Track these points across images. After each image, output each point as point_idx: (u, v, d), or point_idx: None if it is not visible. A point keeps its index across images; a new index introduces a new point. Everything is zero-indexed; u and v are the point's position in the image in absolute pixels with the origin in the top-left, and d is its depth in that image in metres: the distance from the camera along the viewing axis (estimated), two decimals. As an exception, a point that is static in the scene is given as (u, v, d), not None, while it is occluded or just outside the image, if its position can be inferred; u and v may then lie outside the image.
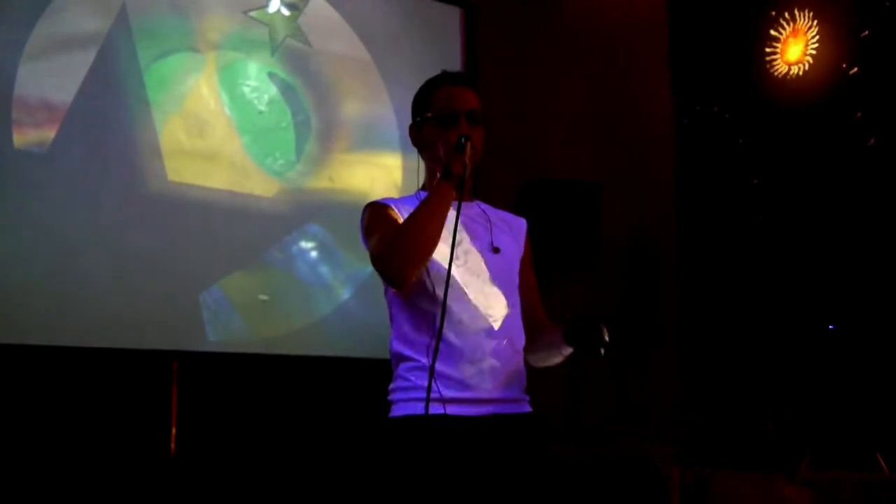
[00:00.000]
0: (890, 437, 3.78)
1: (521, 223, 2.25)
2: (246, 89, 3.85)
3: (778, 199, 4.62)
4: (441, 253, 1.95)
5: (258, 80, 3.88)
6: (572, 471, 4.34)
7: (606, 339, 1.90)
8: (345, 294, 3.94)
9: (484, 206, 2.22)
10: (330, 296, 3.92)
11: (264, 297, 3.74)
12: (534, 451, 2.03)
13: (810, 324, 4.39)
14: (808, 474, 3.65)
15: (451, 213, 1.98)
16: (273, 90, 3.91)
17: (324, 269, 3.94)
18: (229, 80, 3.81)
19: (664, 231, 5.08)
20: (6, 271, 3.24)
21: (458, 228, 1.96)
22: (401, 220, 2.03)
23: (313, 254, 3.93)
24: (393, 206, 2.09)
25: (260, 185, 3.83)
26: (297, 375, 3.85)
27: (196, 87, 3.73)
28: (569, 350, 2.00)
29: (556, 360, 2.09)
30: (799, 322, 4.45)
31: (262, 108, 3.87)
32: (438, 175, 2.01)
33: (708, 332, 4.90)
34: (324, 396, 3.85)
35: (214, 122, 3.75)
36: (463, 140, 1.99)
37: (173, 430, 3.50)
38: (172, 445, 3.49)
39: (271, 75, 3.92)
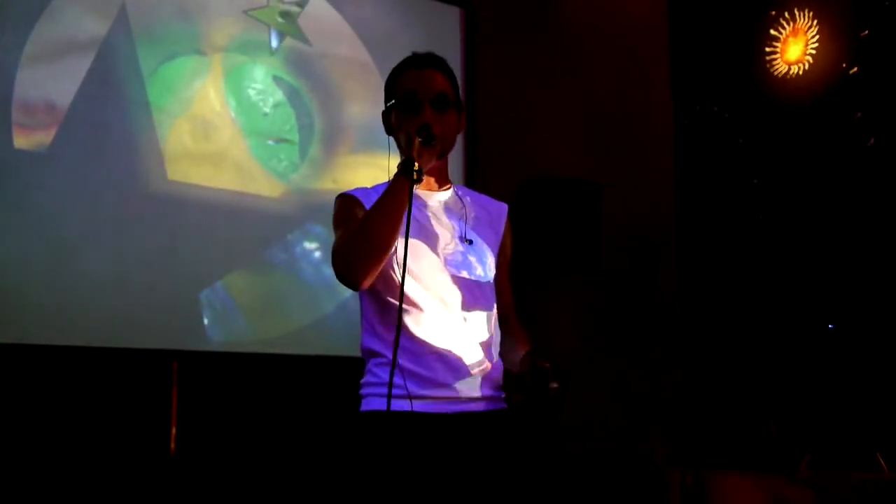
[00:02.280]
0: (890, 437, 3.78)
1: (502, 208, 2.14)
2: (251, 92, 3.86)
3: (778, 199, 4.62)
4: (411, 245, 1.81)
5: (264, 84, 3.89)
6: (571, 471, 4.34)
7: (553, 395, 1.76)
8: (346, 292, 3.94)
9: (463, 190, 2.11)
10: (332, 294, 3.92)
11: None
12: (504, 448, 1.94)
13: (810, 323, 4.39)
14: (808, 474, 3.65)
15: (433, 205, 1.99)
16: (278, 93, 3.93)
17: (326, 269, 3.95)
18: (235, 83, 3.82)
19: (664, 231, 5.08)
20: (6, 271, 3.24)
21: (428, 220, 1.93)
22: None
23: (316, 254, 3.94)
24: (361, 199, 1.99)
25: (264, 187, 3.84)
26: (298, 375, 3.85)
27: (202, 90, 3.74)
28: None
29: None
30: (799, 322, 4.45)
31: (268, 110, 3.88)
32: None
33: (708, 332, 4.90)
34: (323, 395, 3.85)
35: (221, 125, 3.76)
36: (415, 133, 1.89)
37: (173, 430, 3.50)
38: (172, 445, 3.49)
39: (276, 78, 3.93)
